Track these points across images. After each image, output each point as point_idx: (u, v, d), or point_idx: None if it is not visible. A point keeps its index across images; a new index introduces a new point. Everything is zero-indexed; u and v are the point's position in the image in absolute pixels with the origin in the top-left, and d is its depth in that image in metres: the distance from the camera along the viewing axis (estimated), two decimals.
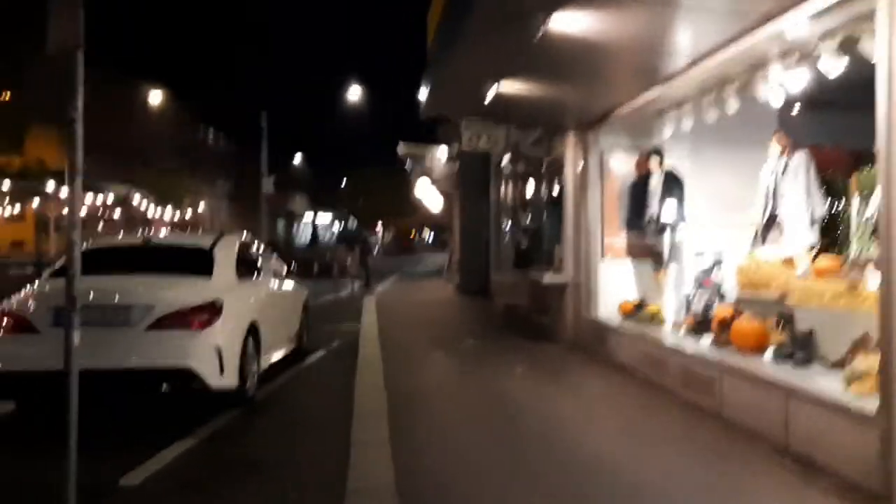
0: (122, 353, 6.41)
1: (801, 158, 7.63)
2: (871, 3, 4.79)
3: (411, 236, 67.79)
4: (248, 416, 7.01)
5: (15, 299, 6.86)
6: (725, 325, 7.16)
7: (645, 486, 4.93)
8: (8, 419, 6.91)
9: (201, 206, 47.50)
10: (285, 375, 8.78)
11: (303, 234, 62.65)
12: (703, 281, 9.21)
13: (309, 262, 19.87)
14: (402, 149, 22.53)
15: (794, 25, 5.81)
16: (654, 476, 5.11)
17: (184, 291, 6.91)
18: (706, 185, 9.44)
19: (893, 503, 4.34)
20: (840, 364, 5.75)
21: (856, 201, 7.26)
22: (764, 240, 7.90)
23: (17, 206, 31.38)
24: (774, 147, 7.86)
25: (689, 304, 9.09)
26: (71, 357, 4.07)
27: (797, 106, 8.24)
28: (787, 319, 6.69)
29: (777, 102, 7.09)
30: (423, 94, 10.94)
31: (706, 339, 7.51)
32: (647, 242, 9.61)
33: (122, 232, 22.81)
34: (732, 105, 7.41)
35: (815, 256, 7.11)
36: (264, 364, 8.02)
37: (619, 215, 10.21)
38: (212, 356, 6.61)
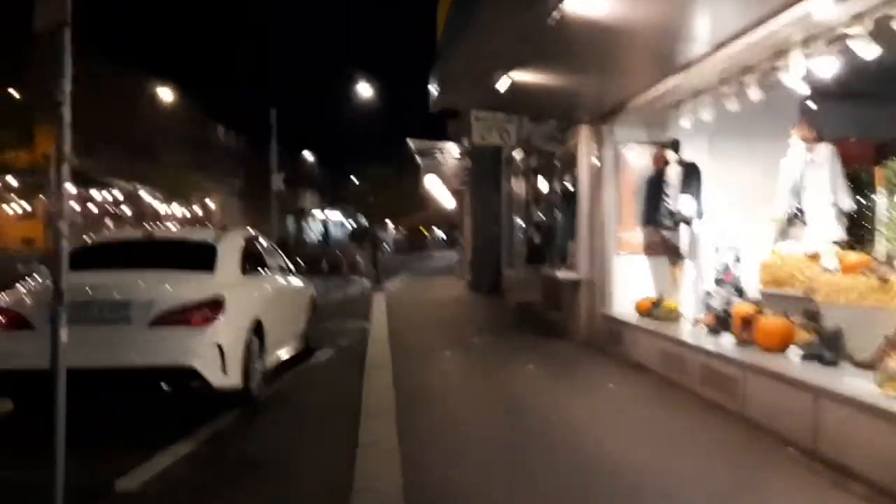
0: (121, 351, 6.18)
1: (825, 150, 7.37)
2: None
3: (422, 234, 67.60)
4: (251, 416, 6.79)
5: (11, 295, 6.65)
6: (748, 322, 6.88)
7: (668, 491, 4.68)
8: (6, 418, 6.71)
9: (211, 203, 47.48)
10: (291, 374, 8.57)
11: (313, 231, 62.62)
12: (722, 277, 8.97)
13: (318, 259, 19.64)
14: (411, 145, 22.37)
15: (822, 6, 5.53)
16: (677, 480, 4.86)
17: (186, 287, 6.67)
18: (725, 178, 9.17)
19: None
20: (867, 364, 5.48)
21: (882, 194, 7.01)
22: (786, 235, 7.62)
23: (28, 204, 31.32)
24: (796, 139, 7.60)
25: (707, 300, 8.86)
26: (58, 354, 3.84)
27: (820, 96, 7.95)
28: (813, 317, 6.40)
29: (801, 91, 6.84)
30: (433, 85, 10.69)
31: (727, 337, 7.22)
32: (663, 237, 9.35)
33: (128, 228, 22.73)
34: (754, 94, 7.16)
35: (842, 251, 6.83)
36: (269, 363, 7.80)
37: (635, 210, 9.93)
38: (214, 354, 6.38)
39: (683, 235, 9.01)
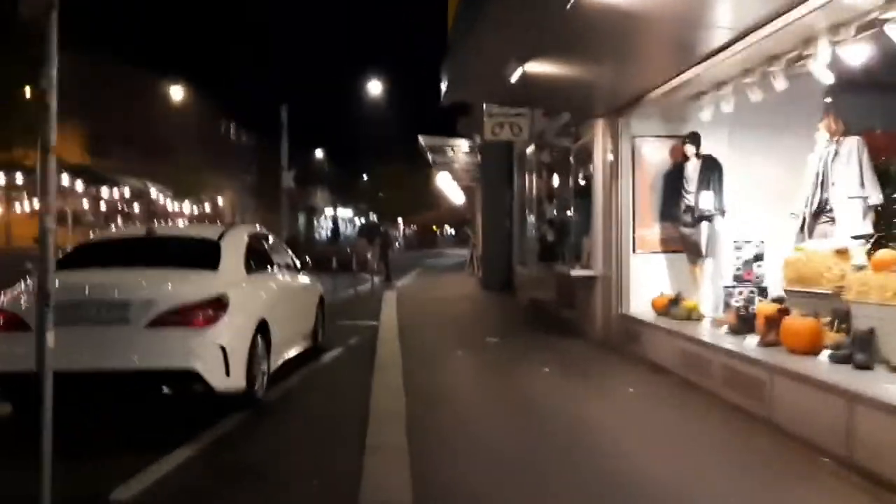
0: (120, 352, 5.94)
1: (852, 143, 7.06)
2: None
3: (432, 231, 67.43)
4: (255, 419, 6.53)
5: (7, 296, 6.42)
6: (773, 322, 6.58)
7: (693, 502, 4.41)
8: (4, 422, 6.50)
9: (221, 201, 47.46)
10: (298, 375, 8.31)
11: (324, 228, 62.51)
12: (743, 274, 8.71)
13: (328, 257, 19.44)
14: (422, 142, 22.13)
15: None
16: (702, 488, 4.60)
17: (187, 286, 6.43)
18: (746, 172, 8.88)
19: None
20: None
21: None
22: (812, 231, 7.32)
23: (38, 203, 31.32)
24: (822, 132, 7.30)
25: (728, 299, 8.59)
26: (44, 358, 3.60)
27: (846, 85, 7.64)
28: (842, 317, 6.10)
29: (828, 81, 6.54)
30: (443, 79, 10.42)
31: (751, 338, 6.92)
32: (682, 234, 9.06)
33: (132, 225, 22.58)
34: (779, 84, 6.86)
35: (872, 248, 6.52)
36: (275, 364, 7.55)
37: (653, 205, 9.64)
38: (216, 356, 6.13)
39: (703, 232, 8.71)
